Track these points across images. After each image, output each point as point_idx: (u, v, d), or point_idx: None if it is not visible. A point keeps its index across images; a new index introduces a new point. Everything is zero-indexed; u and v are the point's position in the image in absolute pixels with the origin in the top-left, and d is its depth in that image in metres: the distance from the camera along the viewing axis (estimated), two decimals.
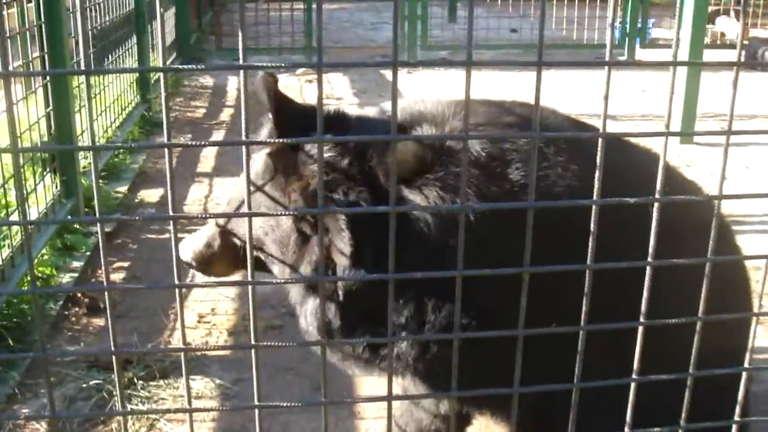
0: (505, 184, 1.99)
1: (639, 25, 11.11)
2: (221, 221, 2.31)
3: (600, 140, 1.29)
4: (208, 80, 9.07)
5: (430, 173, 2.01)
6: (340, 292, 2.04)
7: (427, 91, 8.37)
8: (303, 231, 2.08)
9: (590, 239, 1.35)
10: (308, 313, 2.15)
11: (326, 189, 1.99)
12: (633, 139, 2.32)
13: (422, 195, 2.00)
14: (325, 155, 2.06)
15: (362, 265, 1.98)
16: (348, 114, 2.23)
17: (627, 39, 11.06)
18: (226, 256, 2.33)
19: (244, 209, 2.23)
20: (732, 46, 10.78)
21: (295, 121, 2.12)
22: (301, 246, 2.10)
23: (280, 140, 1.33)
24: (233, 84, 8.90)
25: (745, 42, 10.16)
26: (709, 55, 8.39)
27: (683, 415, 1.54)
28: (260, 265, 2.25)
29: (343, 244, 1.93)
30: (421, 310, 2.01)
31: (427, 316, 2.01)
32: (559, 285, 1.81)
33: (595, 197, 1.31)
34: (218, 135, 6.88)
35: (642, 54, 11.08)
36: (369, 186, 2.02)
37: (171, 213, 1.24)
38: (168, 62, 9.15)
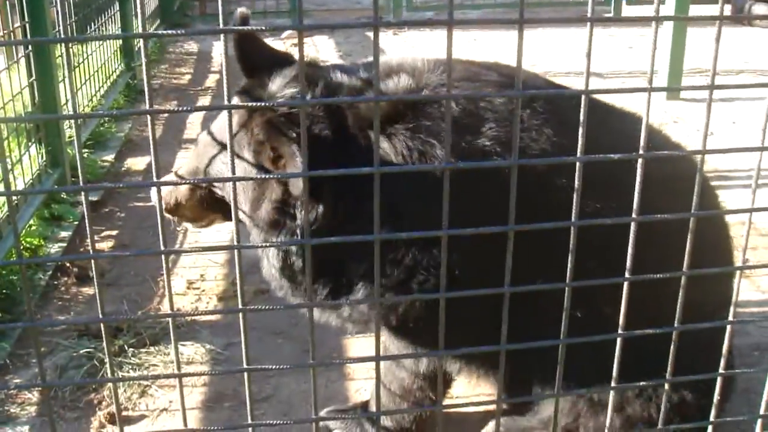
0: (477, 141, 2.00)
1: None
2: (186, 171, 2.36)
3: (582, 97, 1.29)
4: (192, 46, 8.99)
5: (400, 123, 2.03)
6: (298, 231, 2.08)
7: (412, 52, 8.32)
8: (263, 166, 2.08)
9: (575, 195, 1.36)
10: (270, 255, 2.18)
11: (289, 121, 2.00)
12: (617, 101, 2.32)
13: (390, 143, 2.02)
14: (291, 91, 2.08)
15: (319, 201, 2.02)
16: (319, 63, 2.24)
17: None
18: (191, 200, 2.38)
19: (219, 168, 2.26)
20: None
21: (262, 60, 2.14)
22: (261, 183, 2.12)
23: (262, 104, 1.32)
24: (218, 50, 8.83)
25: None
26: (696, 10, 8.34)
27: (669, 369, 1.56)
28: (225, 210, 2.28)
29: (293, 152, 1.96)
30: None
31: (386, 269, 2.04)
32: (540, 244, 1.82)
33: (579, 154, 1.31)
34: (204, 101, 6.83)
35: (628, 10, 11.02)
36: (332, 122, 2.04)
37: (155, 180, 1.24)
38: (151, 29, 9.07)
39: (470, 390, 2.74)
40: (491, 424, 2.47)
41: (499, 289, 1.38)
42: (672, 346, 1.52)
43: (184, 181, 1.38)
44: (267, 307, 1.36)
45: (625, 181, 1.80)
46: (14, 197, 1.27)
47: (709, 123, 1.36)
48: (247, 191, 2.15)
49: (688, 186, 1.95)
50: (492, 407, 2.54)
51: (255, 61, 2.16)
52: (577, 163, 1.32)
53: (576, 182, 1.34)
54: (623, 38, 8.98)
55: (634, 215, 1.39)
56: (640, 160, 1.35)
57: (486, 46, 8.54)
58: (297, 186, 1.97)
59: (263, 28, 1.20)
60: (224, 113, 2.15)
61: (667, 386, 1.64)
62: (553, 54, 7.98)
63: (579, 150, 1.31)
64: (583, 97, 1.28)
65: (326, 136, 2.02)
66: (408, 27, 10.00)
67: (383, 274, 2.03)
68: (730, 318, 1.57)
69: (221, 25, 1.17)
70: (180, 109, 1.25)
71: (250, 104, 2.18)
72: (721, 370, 1.61)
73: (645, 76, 7.27)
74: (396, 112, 2.04)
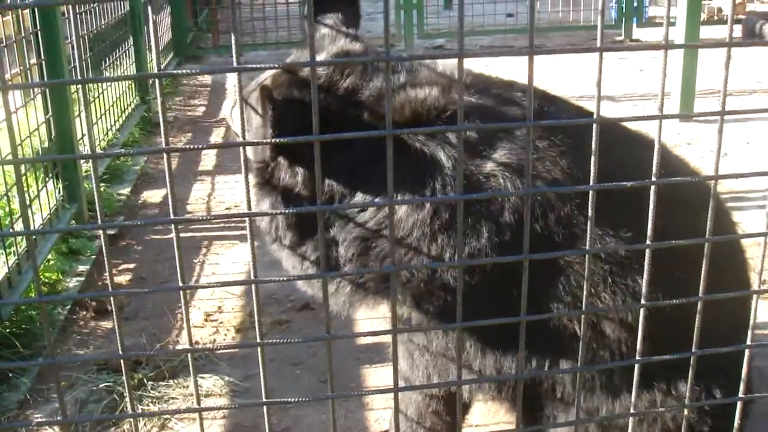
0: (485, 165, 2.03)
1: (635, 4, 11.05)
2: None
3: (594, 126, 1.30)
4: (206, 78, 9.07)
5: (419, 126, 2.09)
6: (279, 192, 2.19)
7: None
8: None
9: (589, 223, 1.36)
10: (263, 210, 2.27)
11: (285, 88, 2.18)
12: (632, 126, 2.33)
13: (407, 142, 2.09)
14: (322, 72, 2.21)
15: (300, 161, 2.14)
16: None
17: (624, 18, 11.02)
18: None
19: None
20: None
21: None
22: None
23: (275, 140, 1.34)
24: (232, 81, 8.85)
25: (742, 17, 10.13)
26: (707, 32, 8.36)
27: (688, 393, 1.56)
28: None
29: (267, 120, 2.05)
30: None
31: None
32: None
33: (591, 182, 1.32)
34: (218, 133, 6.88)
35: (639, 33, 11.04)
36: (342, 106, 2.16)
37: (172, 216, 1.26)
38: (165, 61, 9.15)
39: (489, 418, 2.73)
40: None
41: (515, 318, 1.39)
42: (690, 371, 1.52)
43: (198, 219, 1.39)
44: (284, 340, 1.37)
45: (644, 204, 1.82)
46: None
47: (721, 146, 1.36)
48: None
49: (703, 206, 1.97)
50: None
51: (323, 17, 2.38)
52: (590, 192, 1.33)
53: (589, 210, 1.35)
54: (634, 61, 9.00)
55: (648, 242, 1.39)
56: (653, 187, 1.36)
57: (498, 70, 8.57)
58: (250, 150, 2.14)
59: (276, 65, 1.21)
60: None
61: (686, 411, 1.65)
62: (565, 78, 8.00)
63: (592, 178, 1.31)
64: (594, 126, 1.29)
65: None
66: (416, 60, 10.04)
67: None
68: (749, 341, 1.57)
69: (234, 58, 1.19)
70: (194, 147, 1.26)
71: (262, 141, 2.20)
72: (740, 395, 1.60)
73: (657, 98, 7.26)
74: (420, 118, 2.10)
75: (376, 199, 2.11)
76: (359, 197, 2.14)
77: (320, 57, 2.30)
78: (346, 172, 2.12)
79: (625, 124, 2.34)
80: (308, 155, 2.12)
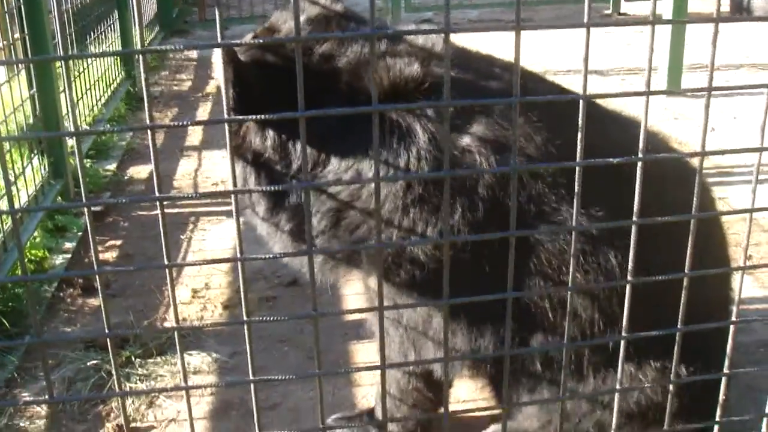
0: (461, 139, 2.03)
1: None
2: None
3: (581, 102, 1.29)
4: (192, 52, 9.00)
5: (401, 100, 2.07)
6: (249, 156, 2.22)
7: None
8: None
9: (575, 200, 1.36)
10: (237, 174, 2.26)
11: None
12: (614, 104, 2.33)
13: (388, 113, 2.09)
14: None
15: (270, 124, 2.16)
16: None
17: None
18: None
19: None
20: None
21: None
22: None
23: (261, 117, 1.33)
24: (218, 55, 8.82)
25: None
26: (694, 5, 8.32)
27: (673, 370, 1.56)
28: None
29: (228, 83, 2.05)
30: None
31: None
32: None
33: (578, 159, 1.32)
34: (204, 107, 6.84)
35: (627, 7, 11.00)
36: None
37: (157, 194, 1.25)
38: (151, 35, 9.07)
39: (476, 393, 2.74)
40: (493, 428, 2.47)
41: (501, 295, 1.39)
42: (675, 348, 1.53)
43: (183, 197, 1.38)
44: (271, 318, 1.36)
45: (616, 182, 1.83)
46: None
47: (708, 121, 1.36)
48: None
49: (680, 182, 1.97)
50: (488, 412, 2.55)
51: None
52: (577, 168, 1.33)
53: (576, 187, 1.35)
54: (621, 35, 8.97)
55: (634, 218, 1.39)
56: (639, 163, 1.36)
57: (485, 44, 8.54)
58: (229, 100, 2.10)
59: (261, 41, 1.20)
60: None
61: (672, 387, 1.65)
62: (552, 52, 7.98)
63: (578, 155, 1.31)
64: (581, 102, 1.29)
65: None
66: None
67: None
68: (734, 317, 1.58)
69: (219, 34, 1.18)
70: (179, 123, 1.25)
71: (245, 117, 2.19)
72: (725, 370, 1.61)
73: (645, 72, 7.24)
74: (398, 90, 2.09)
75: (360, 174, 2.10)
76: (333, 165, 2.13)
77: (301, 19, 2.29)
78: (318, 139, 2.11)
79: (602, 102, 2.34)
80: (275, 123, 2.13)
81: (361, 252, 2.19)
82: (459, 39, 2.35)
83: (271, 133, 2.17)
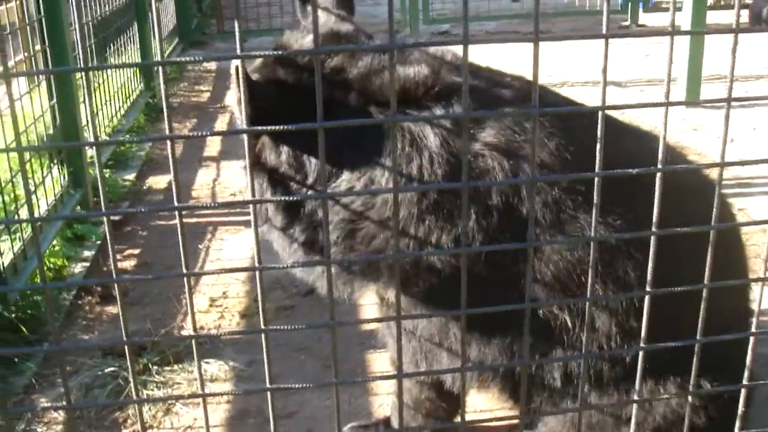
0: (472, 145, 2.03)
1: None
2: None
3: (599, 113, 1.29)
4: (211, 64, 9.05)
5: (411, 107, 2.10)
6: (265, 173, 2.23)
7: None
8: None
9: (594, 210, 1.36)
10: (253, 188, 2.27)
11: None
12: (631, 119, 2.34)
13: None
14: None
15: (284, 140, 2.18)
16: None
17: (630, 3, 10.95)
18: None
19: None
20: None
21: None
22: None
23: (281, 128, 1.33)
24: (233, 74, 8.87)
25: (749, 1, 10.06)
26: (713, 17, 8.31)
27: (692, 381, 1.55)
28: None
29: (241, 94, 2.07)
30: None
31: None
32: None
33: (597, 170, 1.31)
34: (223, 119, 6.87)
35: (645, 18, 10.98)
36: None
37: (176, 204, 1.26)
38: (170, 47, 9.14)
39: (492, 404, 2.74)
40: None
41: (519, 305, 1.39)
42: (695, 358, 1.52)
43: (202, 206, 1.39)
44: (288, 327, 1.37)
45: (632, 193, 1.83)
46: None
47: (728, 133, 1.36)
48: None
49: (697, 194, 1.96)
50: (505, 422, 2.54)
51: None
52: (596, 179, 1.33)
53: (595, 197, 1.34)
54: (640, 46, 8.95)
55: (654, 228, 1.39)
56: (658, 174, 1.35)
57: (503, 55, 8.53)
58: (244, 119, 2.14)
59: (279, 52, 1.21)
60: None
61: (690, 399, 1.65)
62: (570, 63, 7.97)
63: (597, 165, 1.31)
64: (600, 113, 1.28)
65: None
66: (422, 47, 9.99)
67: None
68: (753, 329, 1.57)
69: (239, 46, 1.18)
70: (198, 134, 1.26)
71: (266, 129, 2.20)
72: (745, 381, 1.60)
73: (663, 84, 7.22)
74: (408, 95, 2.11)
75: (373, 185, 2.10)
76: (345, 175, 2.13)
77: (309, 38, 2.30)
78: (330, 150, 2.12)
79: (618, 113, 2.34)
80: (290, 133, 2.14)
81: (380, 263, 2.18)
82: (474, 52, 2.37)
83: (285, 148, 2.18)
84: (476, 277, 1.98)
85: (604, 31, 1.24)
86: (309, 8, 2.41)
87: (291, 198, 2.11)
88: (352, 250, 2.15)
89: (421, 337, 2.23)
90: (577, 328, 2.00)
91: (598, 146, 1.30)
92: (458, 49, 1.20)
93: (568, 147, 2.02)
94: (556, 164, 2.00)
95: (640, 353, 1.51)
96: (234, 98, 2.17)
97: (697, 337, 1.49)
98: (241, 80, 2.03)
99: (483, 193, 1.99)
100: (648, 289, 1.44)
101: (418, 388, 2.44)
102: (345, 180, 2.13)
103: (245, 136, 1.26)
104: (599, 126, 1.27)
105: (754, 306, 1.68)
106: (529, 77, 2.21)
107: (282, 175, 2.20)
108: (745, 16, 9.80)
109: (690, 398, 1.81)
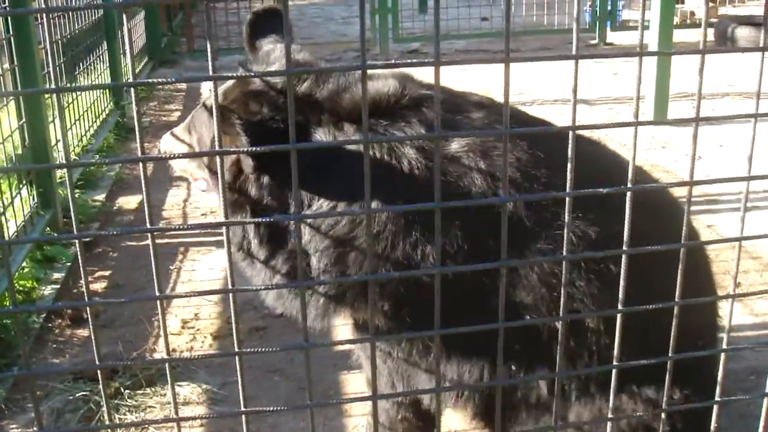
0: (448, 147, 2.09)
1: (609, 8, 11.10)
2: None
3: (570, 133, 1.30)
4: (181, 83, 9.02)
5: (382, 119, 2.14)
6: (248, 207, 2.23)
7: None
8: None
9: (565, 230, 1.37)
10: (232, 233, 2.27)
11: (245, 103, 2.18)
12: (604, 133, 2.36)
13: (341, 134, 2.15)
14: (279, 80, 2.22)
15: (265, 171, 2.16)
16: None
17: (598, 22, 11.08)
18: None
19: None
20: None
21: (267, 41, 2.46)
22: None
23: (251, 149, 1.33)
24: (207, 86, 8.85)
25: (714, 20, 10.21)
26: (679, 36, 8.40)
27: (665, 398, 1.56)
28: None
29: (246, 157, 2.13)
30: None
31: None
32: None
33: (568, 189, 1.33)
34: None
35: (613, 37, 11.11)
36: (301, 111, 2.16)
37: (149, 225, 1.25)
38: (140, 66, 9.10)
39: (467, 423, 2.73)
40: None
41: (493, 325, 1.39)
42: (667, 376, 1.53)
43: (174, 228, 1.38)
44: (262, 350, 1.36)
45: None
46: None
47: (696, 150, 1.37)
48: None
49: (664, 213, 1.99)
50: None
51: (260, 40, 2.46)
52: (567, 199, 1.34)
53: (566, 216, 1.36)
54: (608, 65, 9.06)
55: (624, 247, 1.40)
56: (628, 193, 1.37)
57: (474, 74, 8.59)
58: (247, 164, 2.15)
59: (252, 73, 1.21)
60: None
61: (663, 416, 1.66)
62: (540, 81, 8.04)
63: (568, 185, 1.32)
64: (570, 133, 1.30)
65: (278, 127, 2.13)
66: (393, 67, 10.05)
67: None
68: (724, 345, 1.58)
69: (210, 65, 1.18)
70: (170, 156, 1.26)
71: (238, 149, 2.20)
72: (717, 398, 1.61)
73: (632, 102, 7.29)
74: (380, 106, 2.15)
75: (352, 207, 2.11)
76: (324, 200, 2.14)
77: (273, 66, 2.34)
78: (308, 174, 2.12)
79: (584, 134, 2.36)
80: (271, 164, 2.14)
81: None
82: (443, 71, 2.40)
83: (266, 179, 2.18)
84: (459, 285, 1.99)
85: (573, 52, 1.25)
86: (258, 42, 2.48)
87: (264, 220, 2.10)
88: (344, 275, 2.14)
89: (396, 357, 2.23)
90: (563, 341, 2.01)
91: (569, 165, 1.31)
92: (427, 71, 1.20)
93: (534, 163, 2.05)
94: (522, 178, 2.03)
95: (613, 371, 1.52)
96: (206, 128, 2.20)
97: (669, 354, 1.50)
98: (232, 122, 2.05)
99: (463, 196, 2.02)
100: (620, 307, 1.45)
101: (395, 409, 2.43)
102: (327, 203, 2.13)
103: (219, 158, 1.25)
104: (569, 146, 1.29)
105: (724, 316, 1.69)
106: (497, 97, 2.25)
107: (265, 207, 2.19)
108: (710, 34, 9.94)
109: (663, 415, 1.82)
